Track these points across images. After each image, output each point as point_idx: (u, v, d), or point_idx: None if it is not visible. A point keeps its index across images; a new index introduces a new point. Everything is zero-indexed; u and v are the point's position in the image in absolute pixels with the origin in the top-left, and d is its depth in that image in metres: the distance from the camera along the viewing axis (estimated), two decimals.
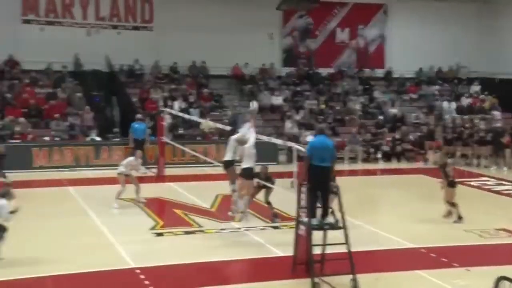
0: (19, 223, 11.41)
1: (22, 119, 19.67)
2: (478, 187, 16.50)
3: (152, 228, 11.48)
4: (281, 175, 16.09)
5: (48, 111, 20.72)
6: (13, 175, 16.83)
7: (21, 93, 21.36)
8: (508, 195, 15.53)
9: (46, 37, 23.22)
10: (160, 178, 17.22)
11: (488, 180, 17.46)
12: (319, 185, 8.77)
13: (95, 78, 23.40)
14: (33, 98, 21.17)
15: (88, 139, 19.57)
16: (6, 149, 15.76)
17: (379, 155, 21.00)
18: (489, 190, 16.12)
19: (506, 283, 5.62)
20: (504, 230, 11.66)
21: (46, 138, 19.40)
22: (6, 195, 9.45)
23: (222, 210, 13.12)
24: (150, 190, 14.23)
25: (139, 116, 18.77)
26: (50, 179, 16.69)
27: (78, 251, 9.85)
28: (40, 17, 23.71)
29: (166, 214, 12.97)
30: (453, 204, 12.23)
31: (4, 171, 14.70)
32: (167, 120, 18.61)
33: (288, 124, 21.90)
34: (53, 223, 11.82)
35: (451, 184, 12.30)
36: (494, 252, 10.45)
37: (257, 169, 11.61)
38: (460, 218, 12.08)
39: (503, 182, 17.04)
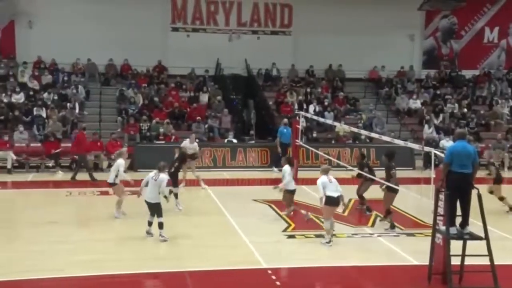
0: (172, 220, 12.23)
1: (166, 121, 20.93)
2: None
3: (284, 230, 11.62)
4: (417, 181, 15.55)
5: (190, 113, 21.91)
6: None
7: (166, 96, 22.81)
8: None
9: (191, 43, 24.61)
10: (294, 181, 17.33)
11: None
12: (458, 192, 8.31)
13: (234, 82, 24.30)
14: (177, 102, 22.51)
15: (225, 141, 20.36)
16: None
17: None
18: None
19: None
20: None
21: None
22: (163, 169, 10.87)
23: (355, 214, 12.95)
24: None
25: (285, 120, 19.17)
26: (189, 179, 17.58)
27: (216, 249, 10.24)
28: (187, 24, 25.19)
29: (298, 216, 13.03)
30: None
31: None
32: (301, 123, 18.76)
33: (427, 129, 21.04)
34: (191, 220, 12.41)
35: None
36: None
37: None
38: None
39: None
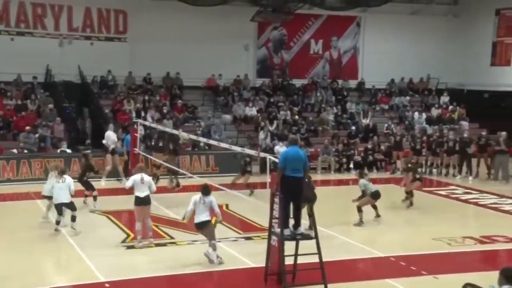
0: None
1: None
2: (446, 196, 16.76)
3: (123, 241, 11.35)
4: (254, 185, 16.17)
5: (17, 123, 20.40)
6: None
7: None
8: (475, 203, 15.81)
9: (17, 47, 22.92)
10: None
11: (456, 189, 17.74)
12: (291, 195, 8.79)
13: (67, 90, 23.15)
14: (2, 110, 20.82)
15: (58, 151, 19.29)
16: None
17: (351, 165, 21.16)
18: (457, 199, 16.38)
19: None
20: (471, 238, 11.87)
21: (14, 151, 19.05)
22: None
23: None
24: (121, 202, 14.07)
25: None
26: (17, 193, 16.40)
27: (48, 265, 9.68)
28: (11, 27, 23.42)
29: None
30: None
31: None
32: (140, 131, 18.48)
33: (261, 135, 21.96)
34: (21, 236, 11.59)
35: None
36: (461, 259, 10.61)
37: None
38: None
39: (471, 191, 17.34)
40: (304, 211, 9.04)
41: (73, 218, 11.88)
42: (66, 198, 11.85)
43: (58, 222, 11.90)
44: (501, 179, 18.95)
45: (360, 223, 12.74)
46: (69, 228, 11.93)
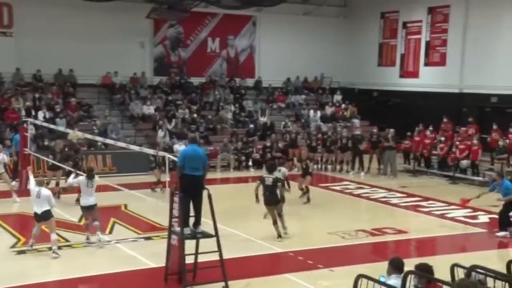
0: None
1: None
2: (340, 191, 17.52)
3: (13, 246, 10.76)
4: (153, 185, 15.96)
5: None
6: None
7: None
8: (366, 198, 16.66)
9: None
10: (23, 192, 16.15)
11: (349, 184, 18.59)
12: (191, 194, 8.79)
13: None
14: None
15: None
16: None
17: (250, 163, 21.49)
18: (350, 194, 17.18)
19: (364, 280, 6.05)
20: (363, 231, 12.52)
21: None
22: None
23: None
24: (11, 205, 13.32)
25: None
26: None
27: None
28: None
29: (29, 230, 12.17)
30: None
31: None
32: (30, 131, 17.55)
33: (160, 133, 21.69)
34: None
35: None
36: (355, 252, 11.17)
37: None
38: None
39: (363, 186, 18.25)
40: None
41: None
42: None
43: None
44: (389, 174, 20.11)
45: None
46: None
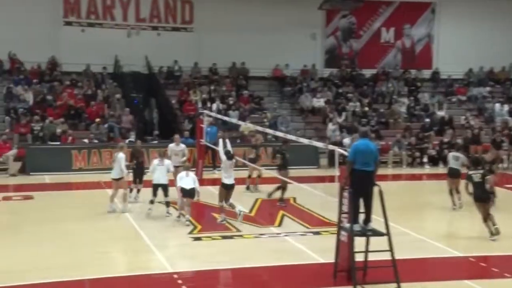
0: (59, 226, 11.77)
1: (61, 121, 20.14)
2: None
3: (190, 232, 11.58)
4: (322, 179, 16.08)
5: (88, 113, 21.20)
6: (53, 177, 17.40)
7: (61, 94, 21.89)
8: None
9: (87, 38, 23.80)
10: (199, 181, 17.31)
11: None
12: (362, 189, 8.67)
13: (135, 80, 23.81)
14: (73, 100, 21.68)
15: (126, 141, 19.90)
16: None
17: (425, 159, 20.65)
18: None
19: None
20: None
21: (85, 140, 19.85)
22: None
23: (261, 214, 13.15)
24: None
25: (211, 120, 19.00)
26: (89, 182, 17.06)
27: (118, 255, 10.02)
28: (81, 18, 24.32)
29: (204, 218, 13.04)
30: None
31: None
32: (205, 122, 18.73)
33: (330, 127, 21.77)
34: (91, 226, 12.05)
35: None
36: None
37: None
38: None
39: None
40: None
41: (167, 204, 12.80)
42: (164, 180, 12.79)
43: (152, 202, 12.70)
44: None
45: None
46: (138, 218, 12.30)
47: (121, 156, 13.18)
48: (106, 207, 13.14)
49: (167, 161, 13.13)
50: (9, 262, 9.40)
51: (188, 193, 12.02)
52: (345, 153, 9.93)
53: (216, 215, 12.52)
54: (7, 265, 9.24)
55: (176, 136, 15.78)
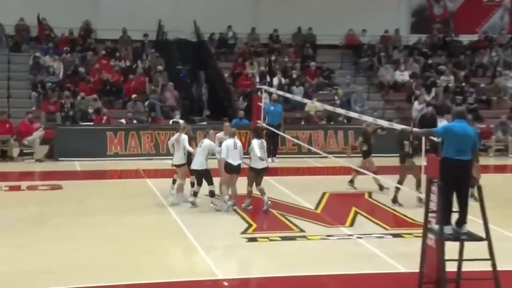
0: (92, 221, 12.06)
1: (94, 97, 20.52)
2: None
3: (244, 232, 11.62)
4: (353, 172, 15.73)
5: (126, 88, 21.58)
6: (85, 164, 17.85)
7: (95, 66, 22.35)
8: None
9: (126, 1, 24.18)
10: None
11: None
12: (456, 183, 8.44)
13: (181, 49, 24.09)
14: (109, 72, 22.11)
15: (170, 122, 20.18)
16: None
17: None
18: None
19: None
20: None
21: (122, 121, 20.22)
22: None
23: (330, 211, 13.06)
24: (241, 186, 14.37)
25: (274, 96, 18.98)
26: (126, 170, 17.39)
27: (157, 255, 10.15)
28: None
29: (260, 215, 13.07)
30: None
31: None
32: (264, 100, 18.74)
33: (416, 106, 21.39)
34: (128, 221, 12.28)
35: None
36: None
37: None
38: None
39: None
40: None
41: (211, 193, 12.80)
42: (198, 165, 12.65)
43: (195, 193, 12.86)
44: None
45: None
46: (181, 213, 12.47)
47: (184, 137, 13.32)
48: (169, 199, 13.39)
49: (206, 141, 12.86)
50: (26, 263, 9.68)
51: (235, 170, 12.14)
52: (434, 139, 9.74)
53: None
54: (30, 264, 9.53)
55: (226, 124, 14.71)
